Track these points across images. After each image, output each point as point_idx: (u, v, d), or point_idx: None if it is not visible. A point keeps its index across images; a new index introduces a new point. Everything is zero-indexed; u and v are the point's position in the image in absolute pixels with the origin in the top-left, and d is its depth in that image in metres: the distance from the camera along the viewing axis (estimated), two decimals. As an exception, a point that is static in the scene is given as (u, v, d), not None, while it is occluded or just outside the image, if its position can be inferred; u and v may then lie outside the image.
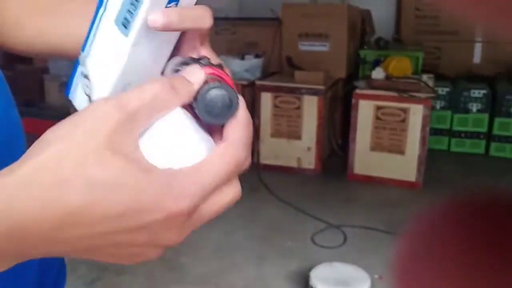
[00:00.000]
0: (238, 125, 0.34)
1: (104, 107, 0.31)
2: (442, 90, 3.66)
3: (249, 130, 0.35)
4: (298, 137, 3.29)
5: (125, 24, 0.33)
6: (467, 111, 3.66)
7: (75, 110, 0.34)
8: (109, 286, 2.14)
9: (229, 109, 0.33)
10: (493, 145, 3.65)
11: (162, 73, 0.37)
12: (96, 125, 0.30)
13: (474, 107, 3.64)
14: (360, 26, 3.91)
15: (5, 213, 0.28)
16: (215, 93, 0.33)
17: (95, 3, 0.36)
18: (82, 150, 0.30)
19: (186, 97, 0.33)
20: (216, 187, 0.33)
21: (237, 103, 0.33)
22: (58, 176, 0.29)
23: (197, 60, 0.35)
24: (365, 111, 3.12)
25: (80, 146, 0.30)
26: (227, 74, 0.35)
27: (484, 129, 3.66)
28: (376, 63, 3.32)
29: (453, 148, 3.76)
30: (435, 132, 3.72)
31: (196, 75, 0.34)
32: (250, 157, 0.35)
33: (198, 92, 0.33)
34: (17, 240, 0.29)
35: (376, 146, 3.15)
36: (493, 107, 3.61)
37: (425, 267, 0.15)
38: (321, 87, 3.20)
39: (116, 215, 0.30)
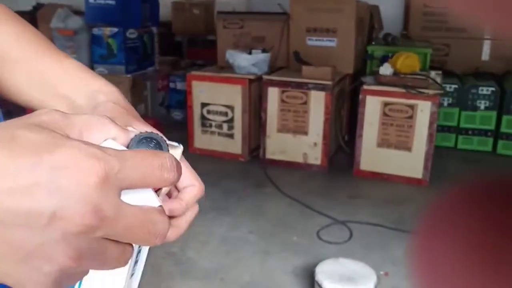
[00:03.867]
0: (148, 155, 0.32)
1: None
2: (450, 87, 3.65)
3: (147, 166, 0.31)
4: (305, 132, 3.28)
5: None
6: (474, 108, 3.65)
7: None
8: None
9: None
10: (501, 142, 3.64)
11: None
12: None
13: (482, 104, 3.62)
14: (368, 21, 3.90)
15: None
16: (145, 136, 0.36)
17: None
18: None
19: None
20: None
21: (167, 146, 0.36)
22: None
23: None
24: (372, 107, 3.11)
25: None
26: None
27: (491, 126, 3.65)
28: (384, 59, 3.30)
29: (460, 146, 3.75)
30: (443, 129, 3.71)
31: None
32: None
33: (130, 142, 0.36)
34: None
35: (383, 143, 3.14)
36: (501, 104, 3.59)
37: (440, 256, 0.16)
38: (329, 83, 3.19)
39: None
